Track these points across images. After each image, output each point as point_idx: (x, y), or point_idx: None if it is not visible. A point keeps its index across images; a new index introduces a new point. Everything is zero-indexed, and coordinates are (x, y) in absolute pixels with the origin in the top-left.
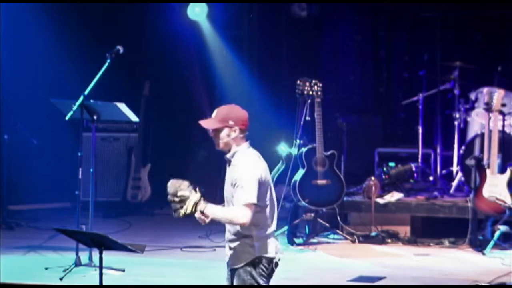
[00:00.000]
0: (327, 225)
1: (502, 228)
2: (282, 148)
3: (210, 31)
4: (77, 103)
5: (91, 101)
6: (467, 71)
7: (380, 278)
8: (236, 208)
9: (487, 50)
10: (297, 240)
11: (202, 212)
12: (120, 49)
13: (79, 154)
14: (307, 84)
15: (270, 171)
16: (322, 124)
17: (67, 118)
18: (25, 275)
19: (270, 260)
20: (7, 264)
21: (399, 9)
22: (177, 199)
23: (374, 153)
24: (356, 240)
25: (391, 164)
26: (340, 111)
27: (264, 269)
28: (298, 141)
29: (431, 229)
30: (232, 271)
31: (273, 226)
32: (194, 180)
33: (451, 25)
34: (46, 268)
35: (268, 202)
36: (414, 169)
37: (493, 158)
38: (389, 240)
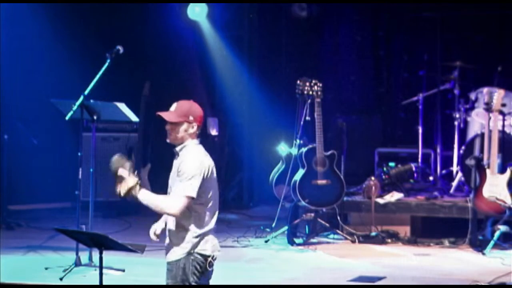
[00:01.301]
0: (327, 225)
1: (502, 228)
2: (282, 148)
3: (210, 31)
4: (77, 103)
5: (91, 101)
6: (467, 71)
7: (380, 278)
8: (170, 198)
9: (487, 50)
10: (297, 240)
11: (136, 198)
12: (120, 49)
13: (79, 154)
14: (307, 84)
15: (270, 171)
16: (322, 124)
17: (67, 118)
18: (25, 275)
19: (205, 257)
20: (7, 264)
21: (399, 9)
22: (117, 178)
23: (374, 153)
24: (356, 240)
25: (391, 164)
26: (340, 111)
27: (198, 266)
28: (298, 141)
29: (431, 229)
30: (167, 265)
31: (212, 224)
32: None
33: (451, 25)
34: (46, 268)
35: (210, 200)
36: (414, 169)
37: (493, 158)
38: (389, 240)
